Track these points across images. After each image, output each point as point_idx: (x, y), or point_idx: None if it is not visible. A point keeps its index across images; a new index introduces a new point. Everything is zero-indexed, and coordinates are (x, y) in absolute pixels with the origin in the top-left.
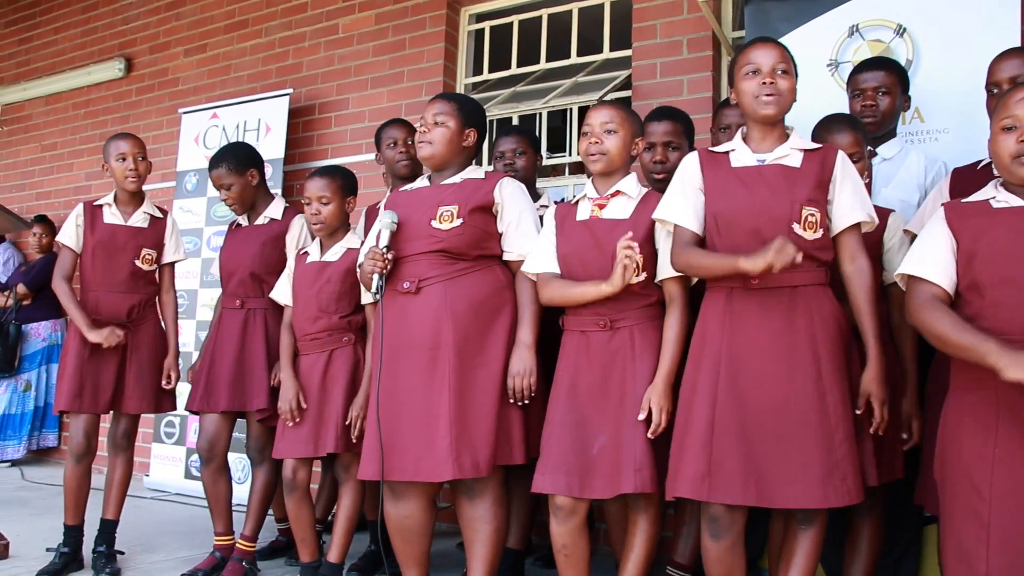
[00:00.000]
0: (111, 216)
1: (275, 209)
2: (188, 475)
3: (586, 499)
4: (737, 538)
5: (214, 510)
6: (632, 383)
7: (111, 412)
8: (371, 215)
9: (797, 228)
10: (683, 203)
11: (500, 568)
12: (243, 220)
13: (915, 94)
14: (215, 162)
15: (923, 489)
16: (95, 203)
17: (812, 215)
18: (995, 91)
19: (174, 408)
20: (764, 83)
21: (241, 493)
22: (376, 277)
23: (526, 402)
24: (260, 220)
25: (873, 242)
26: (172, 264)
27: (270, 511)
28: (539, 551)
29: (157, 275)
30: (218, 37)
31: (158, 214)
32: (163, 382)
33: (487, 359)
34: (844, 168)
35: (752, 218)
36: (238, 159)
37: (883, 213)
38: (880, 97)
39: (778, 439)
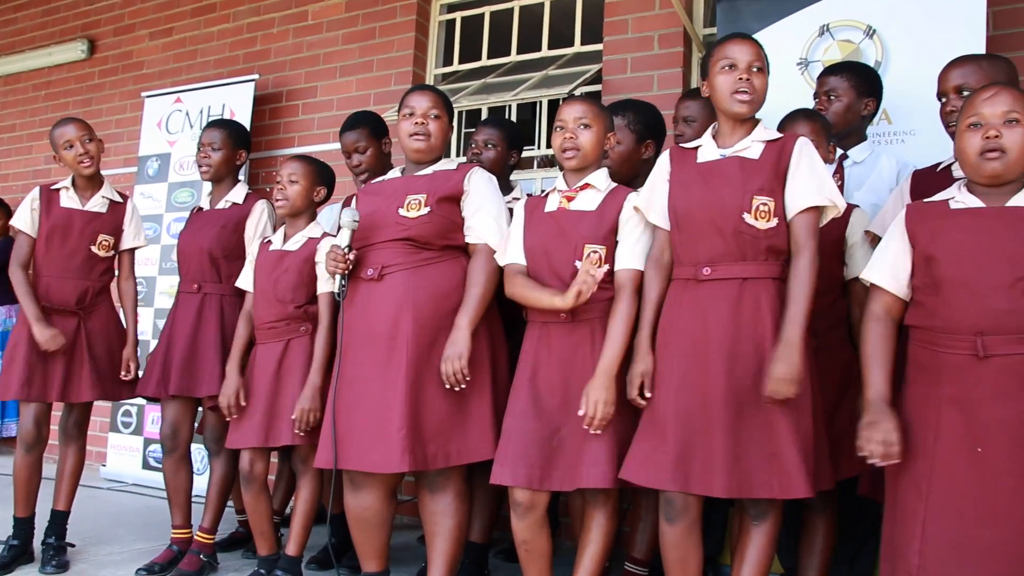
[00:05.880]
0: (68, 200)
1: (237, 194)
2: (146, 465)
3: (545, 493)
4: (692, 524)
5: (173, 501)
6: (591, 378)
7: (62, 401)
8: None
9: (748, 218)
10: (653, 198)
11: (463, 561)
12: (205, 204)
13: (884, 96)
14: (218, 122)
15: (867, 480)
16: (52, 187)
17: (764, 204)
18: (943, 99)
19: (131, 396)
20: (741, 79)
21: (200, 485)
22: (338, 277)
23: (460, 387)
24: (222, 204)
25: (836, 238)
26: (132, 251)
27: (229, 503)
28: (501, 544)
29: (116, 262)
30: (184, 21)
31: (118, 199)
32: (122, 373)
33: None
34: (801, 154)
35: (707, 211)
36: (240, 134)
37: (847, 209)
38: (830, 101)
39: (720, 430)
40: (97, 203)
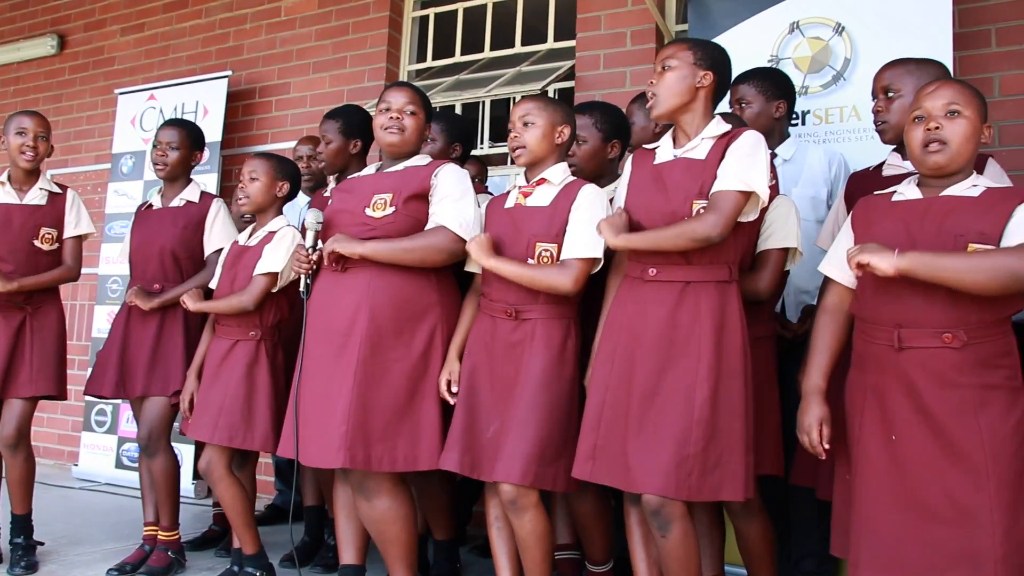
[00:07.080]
0: (5, 195)
1: (192, 192)
2: (119, 464)
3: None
4: (686, 530)
5: (147, 498)
6: (525, 377)
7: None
8: (317, 204)
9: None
10: (617, 201)
11: (436, 559)
12: (156, 202)
13: (853, 92)
14: (176, 121)
15: (798, 468)
16: None
17: (704, 208)
18: (875, 99)
19: (60, 390)
20: (649, 83)
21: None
22: (303, 278)
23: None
24: (175, 203)
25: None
26: (77, 239)
27: (206, 501)
28: (475, 540)
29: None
30: (156, 16)
31: (57, 190)
32: None
33: (400, 356)
34: (737, 145)
35: (652, 215)
36: (198, 136)
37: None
38: (742, 108)
39: (642, 427)
40: (36, 196)
